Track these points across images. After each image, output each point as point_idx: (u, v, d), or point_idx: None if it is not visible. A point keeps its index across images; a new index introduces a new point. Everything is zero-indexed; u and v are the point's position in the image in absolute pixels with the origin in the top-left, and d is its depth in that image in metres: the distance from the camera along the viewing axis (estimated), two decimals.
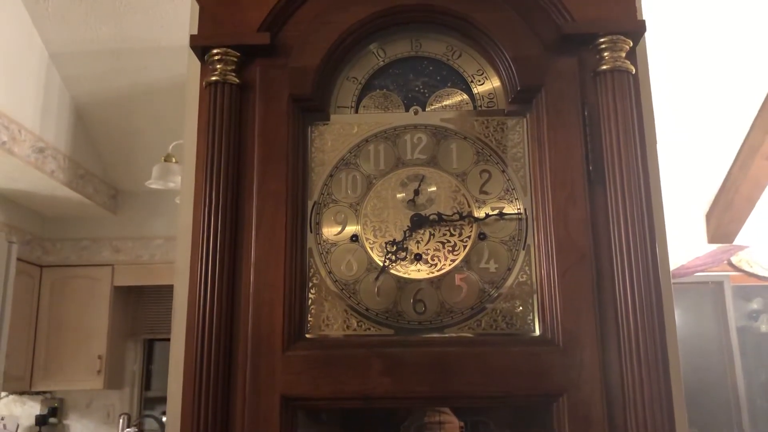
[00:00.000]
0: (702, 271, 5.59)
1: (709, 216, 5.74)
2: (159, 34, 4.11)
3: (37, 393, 5.40)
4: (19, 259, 4.78)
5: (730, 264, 5.71)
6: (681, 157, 5.01)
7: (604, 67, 1.14)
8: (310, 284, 1.15)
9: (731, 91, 4.68)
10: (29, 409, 5.46)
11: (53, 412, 5.46)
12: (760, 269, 5.74)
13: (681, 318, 5.73)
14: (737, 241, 5.67)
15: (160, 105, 4.62)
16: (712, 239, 5.71)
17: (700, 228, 5.77)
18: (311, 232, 1.17)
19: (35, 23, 4.19)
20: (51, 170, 4.53)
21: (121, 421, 5.38)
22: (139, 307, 5.77)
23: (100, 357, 5.24)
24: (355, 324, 1.13)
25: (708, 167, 5.33)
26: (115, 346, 5.41)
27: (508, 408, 1.29)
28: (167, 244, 5.43)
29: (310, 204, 1.18)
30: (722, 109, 4.81)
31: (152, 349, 5.79)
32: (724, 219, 5.58)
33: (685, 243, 5.56)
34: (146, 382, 5.74)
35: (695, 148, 5.07)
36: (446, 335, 1.12)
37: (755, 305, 5.81)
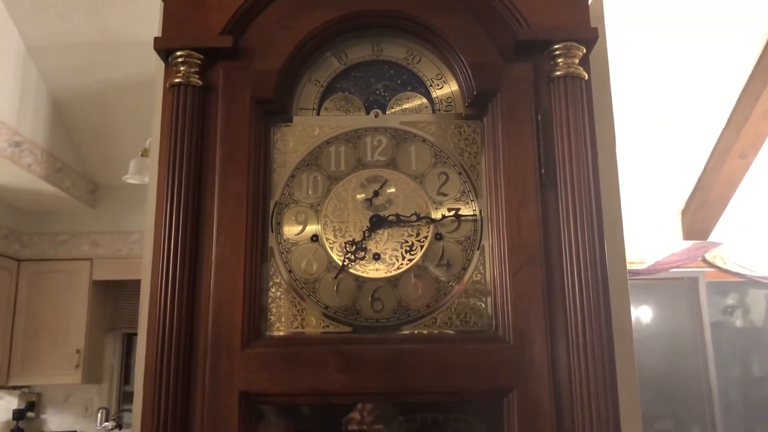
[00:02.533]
0: (677, 267, 5.67)
1: (684, 213, 5.82)
2: (138, 28, 4.10)
3: (15, 387, 5.37)
4: None
5: (705, 260, 5.78)
6: (656, 155, 5.08)
7: (558, 73, 1.18)
8: (271, 283, 1.18)
9: (705, 90, 4.75)
10: (6, 404, 5.44)
11: (31, 406, 5.44)
12: (734, 266, 5.83)
13: (656, 313, 5.82)
14: (712, 238, 5.75)
15: (139, 99, 4.58)
16: (687, 236, 5.78)
17: (675, 225, 5.85)
18: (272, 231, 1.20)
19: (12, 16, 4.16)
20: (28, 164, 4.50)
21: (99, 415, 5.38)
22: (118, 301, 5.75)
23: (78, 351, 5.22)
24: (314, 322, 1.17)
25: (683, 165, 5.40)
26: (93, 340, 5.39)
27: (462, 403, 1.33)
28: (149, 238, 5.41)
29: (271, 204, 1.21)
30: (696, 108, 4.87)
31: (131, 343, 5.78)
32: (698, 216, 5.66)
33: (660, 240, 5.63)
34: (125, 377, 5.73)
35: (670, 147, 5.14)
36: (403, 333, 1.16)
37: (730, 300, 5.90)
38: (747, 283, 5.82)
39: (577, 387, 1.07)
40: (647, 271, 5.54)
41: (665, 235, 5.73)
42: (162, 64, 1.28)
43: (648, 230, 5.53)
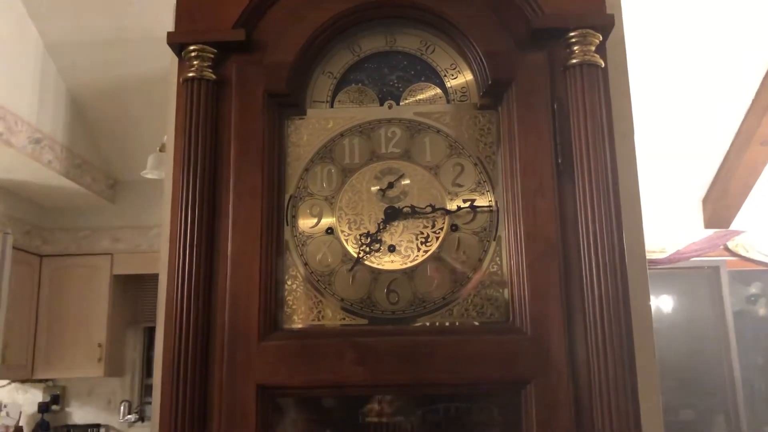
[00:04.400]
0: (698, 256, 5.61)
1: (705, 201, 5.75)
2: (155, 24, 4.10)
3: (39, 381, 5.46)
4: (18, 249, 4.83)
5: (727, 249, 5.71)
6: (677, 142, 5.02)
7: (574, 61, 1.16)
8: (286, 276, 1.18)
9: (727, 77, 4.68)
10: (32, 397, 5.52)
11: (55, 399, 5.52)
12: (756, 254, 5.75)
13: (677, 303, 5.76)
14: (733, 226, 5.68)
15: (156, 94, 4.60)
16: (708, 224, 5.72)
17: (696, 213, 5.78)
18: (287, 225, 1.20)
19: (30, 14, 4.19)
20: (48, 160, 4.56)
21: (122, 408, 5.45)
22: (139, 295, 5.81)
23: (100, 345, 5.28)
24: (330, 314, 1.17)
25: (704, 153, 5.33)
26: (114, 334, 5.46)
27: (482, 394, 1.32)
28: (166, 233, 5.45)
29: (286, 197, 1.21)
30: (718, 95, 4.80)
31: (152, 336, 5.82)
32: (720, 204, 5.59)
33: (681, 228, 5.57)
34: (147, 370, 5.79)
35: (692, 134, 5.07)
36: (419, 324, 1.15)
37: (754, 289, 5.83)
38: None
39: (596, 378, 1.06)
40: (668, 260, 5.49)
41: (686, 223, 5.67)
42: (176, 59, 1.28)
43: (669, 219, 5.46)
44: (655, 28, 4.02)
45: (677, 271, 5.64)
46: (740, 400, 5.45)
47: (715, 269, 5.71)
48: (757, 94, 4.81)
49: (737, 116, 5.02)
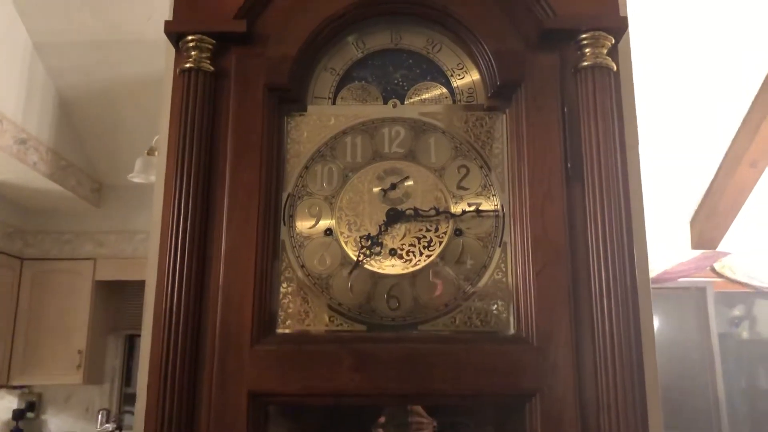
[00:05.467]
0: (685, 276, 5.61)
1: (693, 222, 5.76)
2: (146, 26, 4.07)
3: (15, 387, 5.33)
4: None
5: (713, 270, 5.72)
6: (666, 162, 5.02)
7: (585, 63, 1.12)
8: (282, 278, 1.13)
9: (717, 98, 4.69)
10: (6, 404, 5.39)
11: (31, 406, 5.39)
12: (742, 276, 5.76)
13: (663, 323, 5.75)
14: (721, 248, 5.69)
15: (146, 98, 4.55)
16: (695, 245, 5.72)
17: (684, 234, 5.79)
18: (284, 224, 1.15)
19: (19, 12, 4.13)
20: (33, 162, 4.47)
21: (99, 416, 5.33)
22: (121, 301, 5.70)
23: (80, 352, 5.17)
24: (327, 319, 1.11)
25: (693, 173, 5.34)
26: (95, 340, 5.34)
27: (485, 408, 1.28)
28: (154, 236, 5.36)
29: (284, 196, 1.16)
30: (708, 116, 4.82)
31: (133, 344, 5.73)
32: (708, 225, 5.60)
33: (669, 248, 5.57)
34: (126, 378, 5.68)
35: (680, 154, 5.08)
36: (419, 332, 1.10)
37: (737, 312, 5.84)
38: (754, 294, 5.76)
39: (604, 393, 1.01)
40: (655, 280, 5.47)
41: (674, 243, 5.67)
42: (173, 50, 1.23)
43: (656, 239, 5.46)
44: (646, 48, 4.03)
45: (664, 292, 5.63)
46: (724, 422, 5.43)
47: (701, 290, 5.71)
48: (747, 115, 4.83)
49: (727, 137, 5.04)
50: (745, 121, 4.89)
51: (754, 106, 4.75)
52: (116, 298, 5.68)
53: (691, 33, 4.16)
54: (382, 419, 1.27)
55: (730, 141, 5.06)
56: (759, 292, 5.71)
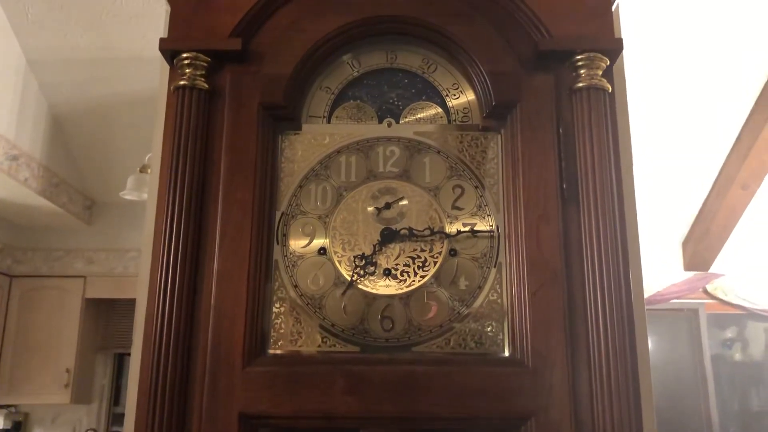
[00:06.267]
0: (677, 298, 5.61)
1: (685, 243, 5.78)
2: (140, 44, 4.07)
3: (2, 407, 5.25)
4: None
5: (706, 292, 5.73)
6: (658, 184, 5.04)
7: (581, 84, 1.13)
8: (275, 298, 1.11)
9: (709, 120, 4.73)
10: None
11: (17, 426, 5.31)
12: (735, 297, 5.77)
13: (656, 345, 5.73)
14: (713, 269, 5.70)
15: (139, 116, 4.56)
16: (688, 267, 5.73)
17: (676, 255, 5.80)
18: (278, 243, 1.13)
19: (14, 29, 4.12)
20: (24, 178, 4.44)
21: None
22: (111, 320, 5.65)
23: (68, 370, 5.11)
24: (320, 340, 1.10)
25: (685, 195, 5.37)
26: (84, 359, 5.28)
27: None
28: (145, 255, 5.32)
29: (277, 215, 1.14)
30: (700, 138, 4.85)
31: (122, 363, 5.66)
32: (700, 247, 5.61)
33: (661, 270, 5.58)
34: (115, 398, 5.61)
35: (673, 176, 5.11)
36: (414, 354, 1.09)
37: (729, 334, 5.84)
38: (746, 316, 5.76)
39: (600, 416, 1.00)
40: (647, 302, 5.45)
41: (666, 265, 5.68)
42: (167, 68, 1.23)
43: (649, 260, 5.46)
44: (638, 68, 4.06)
45: (657, 313, 5.62)
46: None
47: (694, 311, 5.71)
48: (739, 136, 4.87)
49: (719, 159, 5.07)
50: (737, 143, 4.93)
51: (745, 129, 4.79)
52: (106, 316, 5.63)
53: (687, 43, 4.19)
54: None
55: (722, 163, 5.09)
56: (751, 314, 5.72)
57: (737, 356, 5.83)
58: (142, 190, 3.84)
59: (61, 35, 4.15)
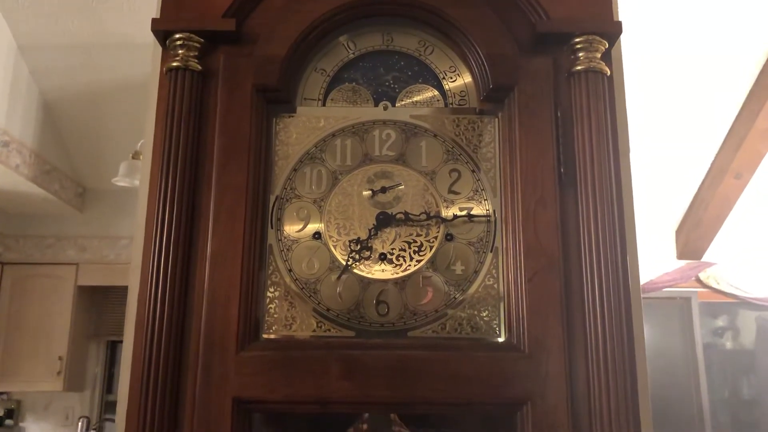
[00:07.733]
0: (670, 286, 5.63)
1: (678, 232, 5.79)
2: (133, 30, 4.03)
3: None
4: None
5: (698, 280, 5.74)
6: (652, 173, 5.04)
7: (579, 67, 1.11)
8: (269, 282, 1.10)
9: (702, 110, 4.72)
10: None
11: (9, 414, 5.29)
12: (727, 286, 5.79)
13: (648, 333, 5.74)
14: (705, 258, 5.71)
15: (131, 102, 4.51)
16: (681, 255, 5.75)
17: (669, 244, 5.81)
18: (272, 227, 1.12)
19: (5, 14, 4.07)
20: (15, 165, 4.40)
21: (80, 424, 5.23)
22: (103, 307, 5.62)
23: (60, 358, 5.09)
24: (315, 325, 1.09)
25: (679, 184, 5.37)
26: (76, 347, 5.26)
27: (472, 418, 1.25)
28: (138, 240, 5.30)
29: (271, 198, 1.13)
30: (694, 127, 4.85)
31: (115, 351, 5.64)
32: (693, 235, 5.62)
33: (654, 258, 5.59)
34: (108, 385, 5.59)
35: (666, 165, 5.11)
36: (409, 338, 1.08)
37: (721, 322, 5.86)
38: (738, 304, 5.79)
39: (597, 402, 0.99)
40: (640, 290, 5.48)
41: (659, 253, 5.69)
42: (159, 50, 1.21)
43: (642, 248, 5.46)
44: (633, 57, 4.05)
45: (649, 301, 5.64)
46: None
47: (686, 300, 5.73)
48: (733, 125, 4.87)
49: (712, 148, 5.07)
50: (731, 132, 4.93)
51: (739, 119, 4.78)
52: (98, 303, 5.60)
53: (681, 33, 4.18)
54: (365, 426, 1.24)
55: (715, 152, 5.09)
56: (743, 303, 5.74)
57: (729, 344, 5.86)
58: (134, 176, 3.81)
59: (52, 20, 4.10)
